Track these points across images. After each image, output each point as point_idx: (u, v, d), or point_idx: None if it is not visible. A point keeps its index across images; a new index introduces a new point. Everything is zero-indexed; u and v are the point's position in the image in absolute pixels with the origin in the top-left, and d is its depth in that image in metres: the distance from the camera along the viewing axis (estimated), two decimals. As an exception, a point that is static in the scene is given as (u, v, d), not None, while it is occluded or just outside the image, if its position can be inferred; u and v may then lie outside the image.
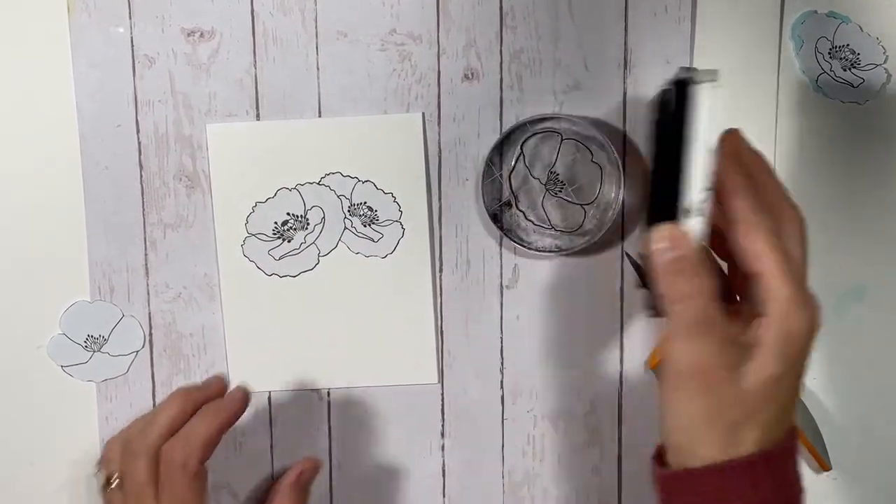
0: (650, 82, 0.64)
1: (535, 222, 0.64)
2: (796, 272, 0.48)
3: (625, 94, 0.65)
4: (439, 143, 0.64)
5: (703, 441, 0.48)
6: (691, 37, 0.64)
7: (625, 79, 0.64)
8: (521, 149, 0.63)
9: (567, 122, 0.63)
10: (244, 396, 0.60)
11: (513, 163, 0.64)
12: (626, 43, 0.64)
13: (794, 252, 0.49)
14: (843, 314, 0.67)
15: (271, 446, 0.66)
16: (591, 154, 0.64)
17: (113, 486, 0.58)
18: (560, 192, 0.64)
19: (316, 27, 0.63)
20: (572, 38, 0.64)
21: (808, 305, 0.48)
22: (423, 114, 0.64)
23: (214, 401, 0.59)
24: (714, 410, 0.47)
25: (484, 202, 0.63)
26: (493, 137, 0.64)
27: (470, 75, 0.64)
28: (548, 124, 0.63)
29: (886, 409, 0.68)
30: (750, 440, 0.47)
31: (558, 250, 0.64)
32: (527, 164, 0.64)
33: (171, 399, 0.59)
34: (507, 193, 0.64)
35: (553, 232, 0.64)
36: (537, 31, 0.64)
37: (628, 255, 0.66)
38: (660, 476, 0.50)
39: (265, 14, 0.63)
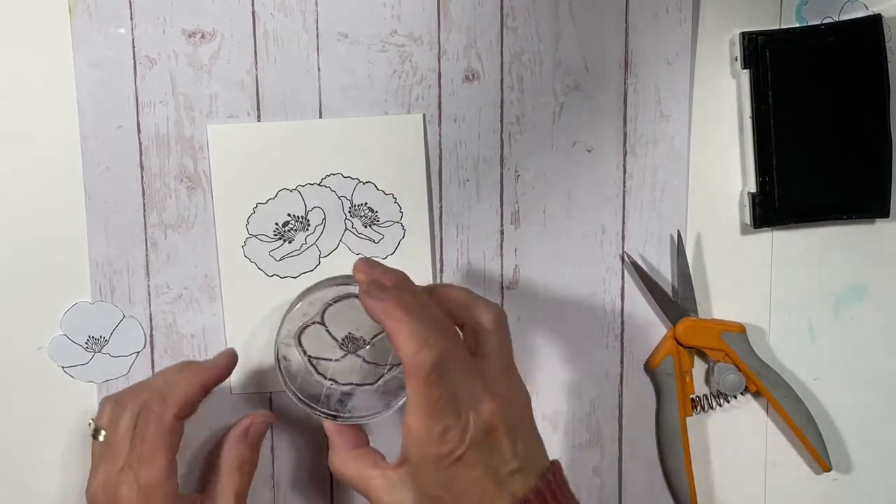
0: (650, 82, 0.65)
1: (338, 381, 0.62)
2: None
3: (625, 94, 0.65)
4: (440, 144, 0.64)
5: None
6: (692, 37, 0.64)
7: (625, 79, 0.65)
8: (322, 316, 0.61)
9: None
10: (229, 359, 0.60)
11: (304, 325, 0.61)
12: (626, 43, 0.64)
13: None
14: (843, 314, 0.67)
15: (271, 446, 0.66)
16: None
17: (100, 438, 0.59)
18: (358, 351, 0.61)
19: (317, 28, 0.63)
20: (573, 39, 0.64)
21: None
22: (424, 115, 0.64)
23: (201, 361, 0.61)
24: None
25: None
26: (495, 138, 0.64)
27: (471, 76, 0.64)
28: (349, 289, 0.61)
29: (886, 409, 0.68)
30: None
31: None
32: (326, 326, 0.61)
33: (176, 364, 0.61)
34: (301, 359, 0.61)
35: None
36: (538, 32, 0.64)
37: (628, 256, 0.66)
38: None
39: (266, 15, 0.63)
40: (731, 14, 0.65)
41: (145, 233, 0.64)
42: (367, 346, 0.61)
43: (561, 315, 0.66)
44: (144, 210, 0.64)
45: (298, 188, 0.64)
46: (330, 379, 0.61)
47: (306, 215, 0.64)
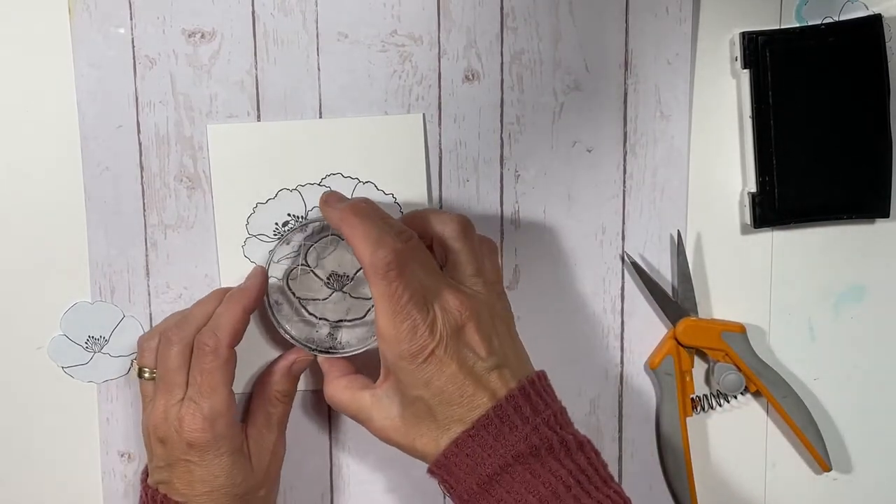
0: (650, 82, 0.65)
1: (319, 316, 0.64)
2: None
3: (625, 94, 0.65)
4: (440, 144, 0.64)
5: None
6: (692, 37, 0.64)
7: (625, 79, 0.65)
8: (306, 258, 0.63)
9: None
10: (260, 277, 0.62)
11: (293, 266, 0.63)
12: (626, 43, 0.64)
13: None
14: (843, 314, 0.67)
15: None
16: None
17: (146, 376, 0.61)
18: (344, 287, 0.64)
19: (317, 28, 0.63)
20: (573, 39, 0.64)
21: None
22: (424, 115, 0.64)
23: (235, 288, 0.62)
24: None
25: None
26: (495, 138, 0.64)
27: (471, 76, 0.64)
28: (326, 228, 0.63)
29: (886, 409, 0.68)
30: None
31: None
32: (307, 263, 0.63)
33: (208, 296, 0.63)
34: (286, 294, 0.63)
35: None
36: (538, 32, 0.64)
37: (628, 256, 0.66)
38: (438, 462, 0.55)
39: (266, 15, 0.63)
40: (731, 14, 0.65)
41: (145, 233, 0.64)
42: (352, 282, 0.63)
43: (561, 315, 0.66)
44: (144, 210, 0.64)
45: (298, 188, 0.64)
46: (320, 318, 0.63)
47: (306, 215, 0.64)
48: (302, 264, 0.63)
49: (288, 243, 0.63)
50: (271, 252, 0.63)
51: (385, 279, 0.53)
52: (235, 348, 0.59)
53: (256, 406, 0.63)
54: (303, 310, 0.63)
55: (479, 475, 0.53)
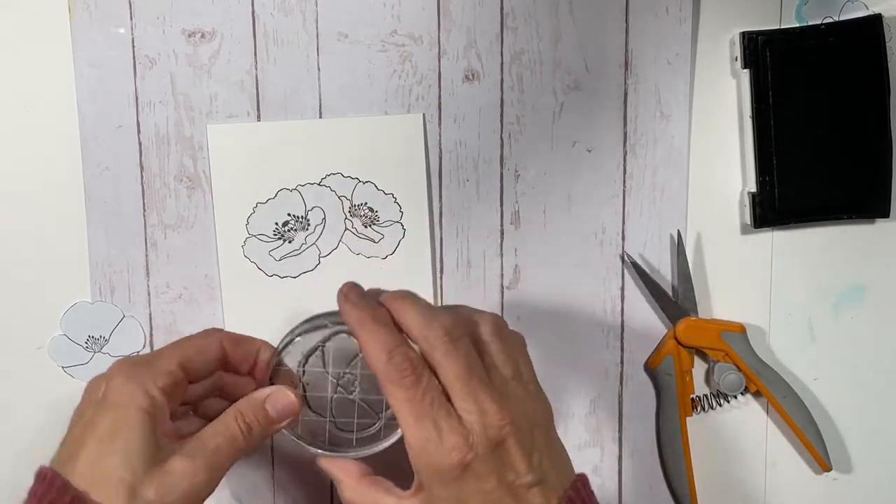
0: (650, 82, 0.65)
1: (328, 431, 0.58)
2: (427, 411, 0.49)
3: (625, 94, 0.65)
4: (440, 144, 0.64)
5: None
6: (692, 37, 0.64)
7: (625, 79, 0.65)
8: (323, 350, 0.58)
9: None
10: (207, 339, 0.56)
11: (304, 360, 0.59)
12: (626, 43, 0.64)
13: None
14: (843, 314, 0.67)
15: (271, 446, 0.66)
16: None
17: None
18: (353, 392, 0.59)
19: (317, 28, 0.63)
20: (573, 39, 0.64)
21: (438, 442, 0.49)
22: (424, 115, 0.64)
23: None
24: None
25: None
26: (495, 138, 0.64)
27: (471, 76, 0.64)
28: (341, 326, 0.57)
29: (886, 409, 0.68)
30: None
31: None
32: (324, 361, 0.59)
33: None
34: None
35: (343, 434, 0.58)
36: (538, 32, 0.64)
37: (628, 256, 0.66)
38: None
39: (266, 15, 0.63)
40: (731, 14, 0.65)
41: (145, 233, 0.64)
42: (357, 389, 0.59)
43: (561, 315, 0.66)
44: (144, 210, 0.64)
45: (298, 188, 0.64)
46: (329, 419, 0.59)
47: (306, 215, 0.64)
48: (307, 359, 0.59)
49: (299, 334, 0.58)
50: (284, 341, 0.58)
51: (402, 385, 0.49)
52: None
53: (220, 416, 0.54)
54: (308, 408, 0.58)
55: None
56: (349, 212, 0.64)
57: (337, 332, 0.58)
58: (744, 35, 0.63)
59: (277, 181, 0.64)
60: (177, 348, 0.55)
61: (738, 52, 0.64)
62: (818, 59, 0.63)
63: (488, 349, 0.52)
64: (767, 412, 0.68)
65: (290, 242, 0.64)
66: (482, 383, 0.50)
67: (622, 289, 0.66)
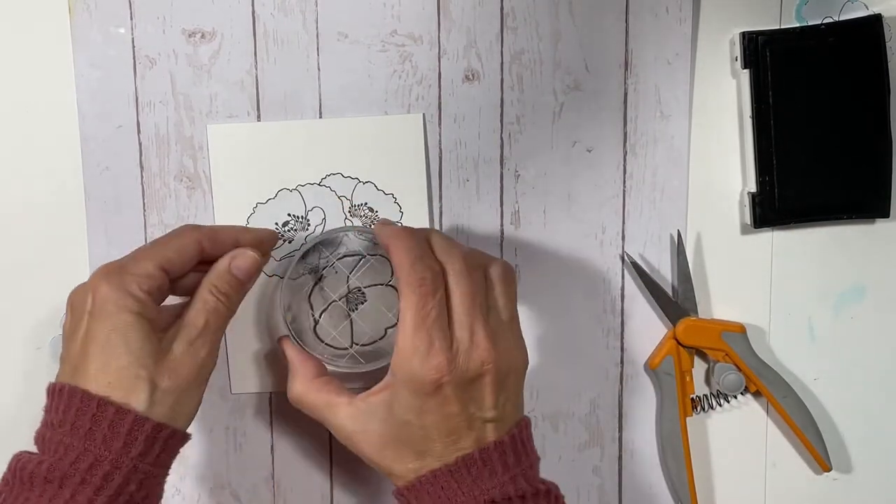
0: (650, 82, 0.65)
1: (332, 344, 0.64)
2: (426, 319, 0.53)
3: (625, 94, 0.65)
4: (440, 144, 0.64)
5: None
6: (692, 37, 0.64)
7: (625, 79, 0.65)
8: (322, 272, 0.63)
9: (366, 237, 0.63)
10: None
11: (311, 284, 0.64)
12: (626, 43, 0.64)
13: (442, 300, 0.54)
14: (843, 314, 0.67)
15: (271, 446, 0.66)
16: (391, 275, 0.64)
17: None
18: (358, 307, 0.64)
19: (317, 28, 0.63)
20: (573, 39, 0.64)
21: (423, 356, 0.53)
22: (424, 115, 0.64)
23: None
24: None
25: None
26: (495, 138, 0.64)
27: (471, 76, 0.64)
28: (349, 244, 0.63)
29: (886, 409, 0.68)
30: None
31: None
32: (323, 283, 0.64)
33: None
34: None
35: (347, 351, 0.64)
36: (538, 32, 0.64)
37: (628, 256, 0.66)
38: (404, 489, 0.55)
39: (266, 15, 0.63)
40: (731, 14, 0.65)
41: (145, 233, 0.64)
42: (364, 304, 0.64)
43: (561, 315, 0.66)
44: (144, 210, 0.64)
45: (298, 188, 0.64)
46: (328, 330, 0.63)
47: (306, 215, 0.64)
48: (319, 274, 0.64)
49: (306, 254, 0.63)
50: (292, 254, 0.63)
51: (418, 293, 0.53)
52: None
53: (196, 294, 0.57)
54: (310, 313, 0.64)
55: None
56: (349, 212, 0.64)
57: (370, 255, 0.63)
58: (744, 35, 0.63)
59: (277, 181, 0.64)
60: (156, 251, 0.56)
61: (738, 52, 0.64)
62: (818, 59, 0.63)
63: (494, 289, 0.56)
64: (767, 412, 0.68)
65: (290, 242, 0.64)
66: (481, 317, 0.54)
67: (622, 289, 0.66)
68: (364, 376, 0.63)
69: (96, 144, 0.63)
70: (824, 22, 0.64)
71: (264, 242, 0.60)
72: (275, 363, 0.65)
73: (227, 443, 0.66)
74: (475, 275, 0.55)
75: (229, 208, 0.64)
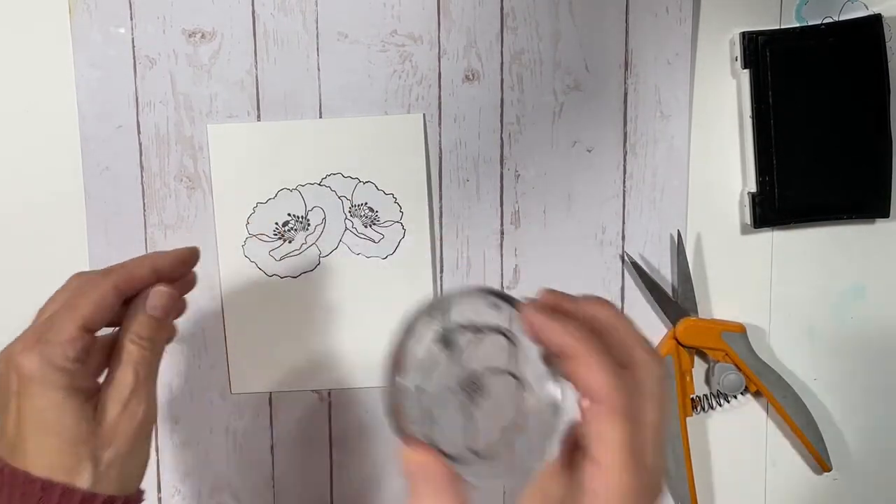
0: (650, 82, 0.65)
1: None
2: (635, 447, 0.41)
3: (625, 94, 0.65)
4: (440, 144, 0.64)
5: None
6: (692, 37, 0.64)
7: (625, 79, 0.65)
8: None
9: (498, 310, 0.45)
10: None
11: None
12: (626, 43, 0.64)
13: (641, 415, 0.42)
14: (843, 314, 0.67)
15: (271, 446, 0.66)
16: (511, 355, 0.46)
17: None
18: (476, 400, 0.45)
19: (317, 28, 0.63)
20: (573, 39, 0.64)
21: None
22: (424, 114, 0.64)
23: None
24: None
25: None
26: (495, 138, 0.64)
27: (471, 76, 0.64)
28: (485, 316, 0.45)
29: (886, 408, 0.68)
30: None
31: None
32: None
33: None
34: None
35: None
36: (538, 32, 0.64)
37: (628, 256, 0.66)
38: None
39: (266, 15, 0.63)
40: (731, 14, 0.65)
41: (145, 233, 0.64)
42: (480, 394, 0.45)
43: (561, 315, 0.66)
44: (144, 210, 0.64)
45: (298, 188, 0.64)
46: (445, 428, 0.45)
47: (306, 215, 0.64)
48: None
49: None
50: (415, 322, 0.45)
51: (627, 421, 0.41)
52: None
53: (119, 345, 0.53)
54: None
55: None
56: (349, 212, 0.64)
57: (505, 331, 0.45)
58: (744, 35, 0.63)
59: (277, 181, 0.64)
60: (75, 311, 0.51)
61: (738, 52, 0.64)
62: (818, 59, 0.63)
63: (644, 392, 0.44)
64: (767, 412, 0.68)
65: (290, 242, 0.64)
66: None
67: (622, 289, 0.66)
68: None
69: (96, 144, 0.63)
70: (824, 22, 0.64)
71: (184, 262, 0.56)
72: (275, 363, 0.65)
73: (227, 443, 0.66)
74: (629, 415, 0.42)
75: (229, 208, 0.64)
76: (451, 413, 0.45)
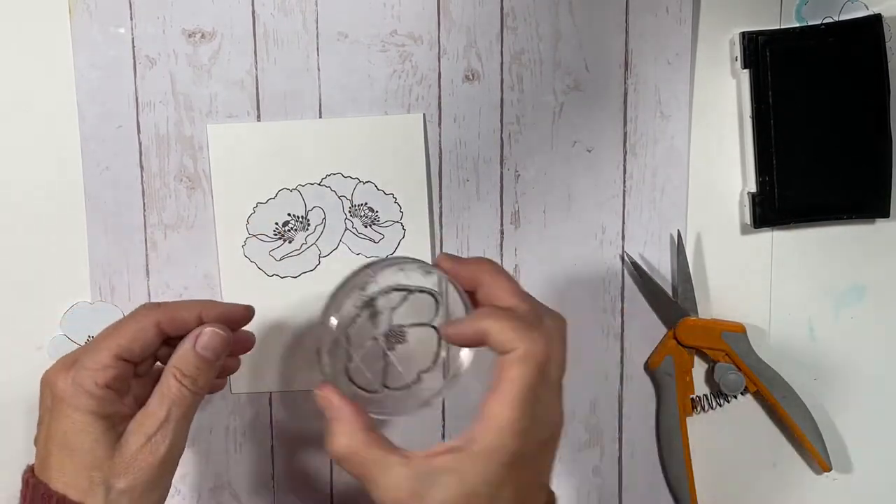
0: (650, 82, 0.65)
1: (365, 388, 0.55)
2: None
3: (625, 94, 0.65)
4: (440, 144, 0.64)
5: None
6: (692, 37, 0.64)
7: (625, 79, 0.65)
8: (373, 303, 0.55)
9: (415, 268, 0.55)
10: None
11: (354, 314, 0.55)
12: (626, 43, 0.64)
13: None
14: (843, 314, 0.67)
15: (271, 446, 0.66)
16: (437, 311, 0.56)
17: None
18: (396, 348, 0.56)
19: (317, 28, 0.63)
20: (573, 39, 0.64)
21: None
22: (424, 115, 0.64)
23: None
24: None
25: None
26: (495, 138, 0.64)
27: (471, 76, 0.64)
28: (397, 276, 0.55)
29: (886, 409, 0.68)
30: None
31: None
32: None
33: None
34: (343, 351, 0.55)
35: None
36: (538, 32, 0.64)
37: (628, 256, 0.66)
38: None
39: (266, 15, 0.63)
40: (731, 14, 0.65)
41: (145, 233, 0.64)
42: (403, 343, 0.56)
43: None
44: (144, 210, 0.64)
45: (298, 188, 0.64)
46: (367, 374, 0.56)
47: (306, 215, 0.64)
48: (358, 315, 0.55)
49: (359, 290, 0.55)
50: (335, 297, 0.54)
51: (537, 371, 0.47)
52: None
53: (160, 379, 0.53)
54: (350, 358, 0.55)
55: None
56: (349, 212, 0.64)
57: (418, 290, 0.56)
58: (744, 35, 0.63)
59: (277, 181, 0.64)
60: (112, 340, 0.53)
61: (738, 52, 0.64)
62: (818, 59, 0.63)
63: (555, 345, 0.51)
64: (767, 412, 0.68)
65: (290, 242, 0.64)
66: (558, 393, 0.50)
67: (622, 289, 0.66)
68: (381, 422, 0.58)
69: (96, 144, 0.63)
70: (824, 22, 0.64)
71: (234, 320, 0.56)
72: (275, 363, 0.65)
73: (227, 443, 0.66)
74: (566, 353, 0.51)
75: (229, 208, 0.64)
76: (372, 356, 0.55)
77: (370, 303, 0.55)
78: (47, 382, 0.53)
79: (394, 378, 0.56)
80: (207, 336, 0.53)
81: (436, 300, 0.56)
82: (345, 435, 0.51)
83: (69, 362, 0.53)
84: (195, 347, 0.53)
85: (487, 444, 0.47)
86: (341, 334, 0.54)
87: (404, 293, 0.56)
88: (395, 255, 0.62)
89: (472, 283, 0.52)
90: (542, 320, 0.50)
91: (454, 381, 0.55)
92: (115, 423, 0.52)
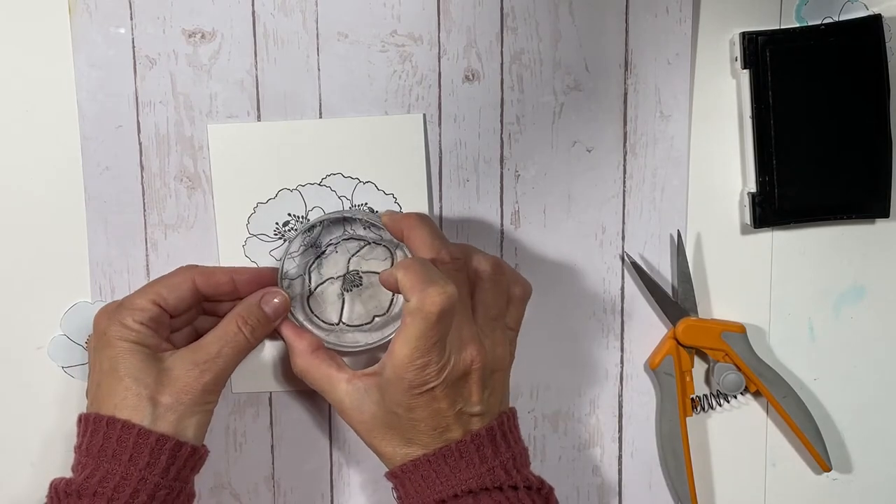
0: (650, 82, 0.65)
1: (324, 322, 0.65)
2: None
3: (625, 94, 0.65)
4: (440, 144, 0.64)
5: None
6: (692, 37, 0.64)
7: (625, 79, 0.65)
8: (324, 251, 0.64)
9: (367, 226, 0.63)
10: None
11: (311, 260, 0.64)
12: (626, 43, 0.64)
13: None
14: (842, 314, 0.67)
15: (271, 446, 0.66)
16: (392, 259, 0.64)
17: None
18: (352, 289, 0.65)
19: (317, 28, 0.63)
20: (573, 39, 0.64)
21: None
22: (424, 115, 0.64)
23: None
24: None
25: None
26: (495, 138, 0.64)
27: (471, 76, 0.64)
28: (351, 229, 0.64)
29: (886, 409, 0.68)
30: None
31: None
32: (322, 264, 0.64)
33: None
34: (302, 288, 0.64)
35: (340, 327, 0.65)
36: (538, 32, 0.64)
37: (628, 256, 0.66)
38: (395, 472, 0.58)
39: (266, 15, 0.63)
40: (731, 14, 0.65)
41: (145, 233, 0.64)
42: (360, 288, 0.64)
43: (561, 315, 0.66)
44: (144, 210, 0.64)
45: (299, 188, 0.64)
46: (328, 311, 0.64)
47: (307, 215, 0.64)
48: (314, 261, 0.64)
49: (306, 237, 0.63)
50: (289, 243, 0.63)
51: (427, 322, 0.53)
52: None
53: (219, 324, 0.60)
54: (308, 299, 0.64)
55: (426, 497, 0.56)
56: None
57: (368, 242, 0.64)
58: (744, 35, 0.63)
59: (278, 181, 0.64)
60: (149, 287, 0.60)
61: (738, 52, 0.64)
62: (818, 59, 0.63)
63: (482, 285, 0.58)
64: (767, 412, 0.68)
65: (290, 242, 0.64)
66: (467, 320, 0.56)
67: (622, 289, 0.66)
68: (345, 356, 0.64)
69: (96, 144, 0.63)
70: (824, 22, 0.64)
71: (262, 284, 0.62)
72: (275, 363, 0.65)
73: (227, 443, 0.66)
74: (460, 276, 0.58)
75: (229, 208, 0.64)
76: (333, 297, 0.64)
77: (317, 244, 0.64)
78: (94, 326, 0.59)
79: (350, 317, 0.64)
80: (273, 295, 0.61)
81: (390, 252, 0.64)
82: (298, 356, 0.60)
83: (112, 307, 0.59)
84: (260, 303, 0.60)
85: (390, 375, 0.55)
86: (303, 270, 0.64)
87: (362, 242, 0.64)
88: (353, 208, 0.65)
89: (400, 236, 0.60)
90: (454, 272, 0.57)
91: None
92: (157, 353, 0.58)
